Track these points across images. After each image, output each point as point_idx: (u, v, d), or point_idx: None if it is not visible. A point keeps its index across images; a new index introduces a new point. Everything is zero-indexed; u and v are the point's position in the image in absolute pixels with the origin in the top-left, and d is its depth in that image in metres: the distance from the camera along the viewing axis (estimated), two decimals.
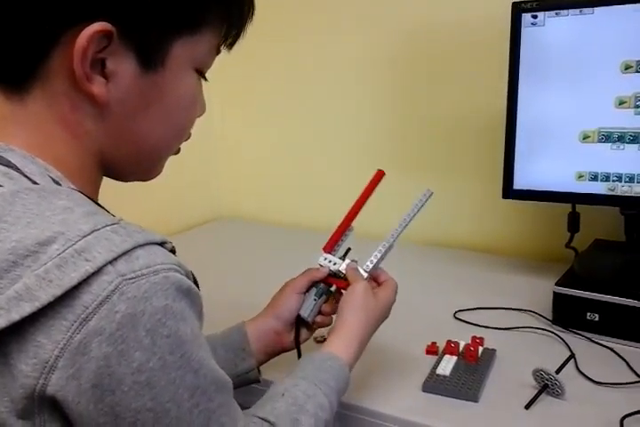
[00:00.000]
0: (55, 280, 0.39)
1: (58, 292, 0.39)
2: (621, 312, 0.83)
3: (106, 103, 0.49)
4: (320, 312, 0.75)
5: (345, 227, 0.78)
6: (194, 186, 1.53)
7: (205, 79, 0.56)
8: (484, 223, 1.28)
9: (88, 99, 0.49)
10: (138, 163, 0.57)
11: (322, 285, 0.75)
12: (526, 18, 0.93)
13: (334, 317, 0.71)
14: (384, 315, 0.72)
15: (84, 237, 0.41)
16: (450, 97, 1.26)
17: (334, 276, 0.75)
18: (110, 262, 0.41)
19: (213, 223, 1.57)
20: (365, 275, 0.74)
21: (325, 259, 0.76)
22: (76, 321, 0.40)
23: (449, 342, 0.81)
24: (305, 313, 0.73)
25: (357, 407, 0.71)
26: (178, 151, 0.59)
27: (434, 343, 0.84)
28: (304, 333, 0.75)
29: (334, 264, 0.75)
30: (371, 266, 0.75)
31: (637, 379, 0.75)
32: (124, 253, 0.41)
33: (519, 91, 0.96)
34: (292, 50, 1.43)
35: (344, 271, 0.74)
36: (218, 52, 0.57)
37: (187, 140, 0.59)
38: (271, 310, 0.75)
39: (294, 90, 1.46)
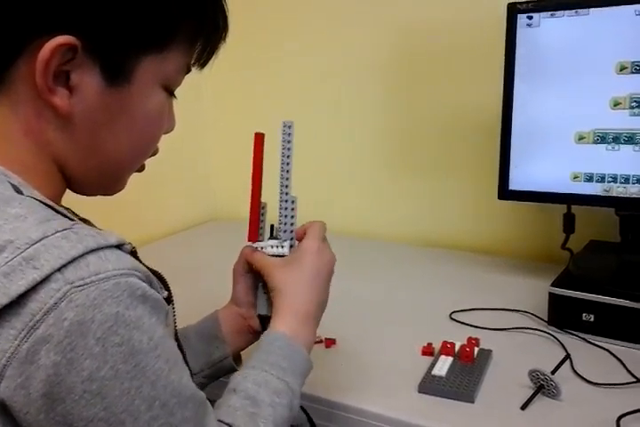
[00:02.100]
0: (2, 288, 0.39)
1: (4, 300, 0.39)
2: (617, 313, 0.84)
3: (68, 115, 0.49)
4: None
5: (256, 209, 0.71)
6: (189, 187, 1.53)
7: (174, 97, 0.56)
8: (479, 224, 1.29)
9: (51, 109, 0.49)
10: (100, 177, 0.56)
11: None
12: (522, 19, 0.93)
13: None
14: (323, 274, 0.66)
15: (33, 244, 0.41)
16: (446, 98, 1.26)
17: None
18: (58, 270, 0.40)
19: (209, 224, 1.57)
20: (286, 249, 0.68)
21: (257, 248, 0.70)
22: (23, 329, 0.39)
23: (445, 342, 0.81)
24: (263, 311, 0.70)
25: (353, 408, 0.71)
26: (142, 168, 0.59)
27: (429, 344, 0.83)
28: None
29: (272, 248, 0.69)
30: (288, 237, 0.69)
31: (633, 379, 0.75)
32: (74, 260, 0.41)
33: (515, 91, 0.96)
34: (288, 50, 1.43)
35: (272, 250, 0.69)
36: (188, 70, 0.56)
37: (153, 155, 0.58)
38: (231, 297, 0.74)
39: (290, 90, 1.45)
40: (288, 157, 0.70)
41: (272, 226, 0.72)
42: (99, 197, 0.59)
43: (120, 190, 0.59)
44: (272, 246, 0.69)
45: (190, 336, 0.71)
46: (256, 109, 1.52)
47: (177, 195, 1.49)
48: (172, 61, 0.53)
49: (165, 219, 1.47)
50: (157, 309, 0.45)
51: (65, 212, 0.50)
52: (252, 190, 0.71)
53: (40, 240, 0.41)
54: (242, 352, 0.75)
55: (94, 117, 0.50)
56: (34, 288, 0.40)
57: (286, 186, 0.70)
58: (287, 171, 0.70)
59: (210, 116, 1.54)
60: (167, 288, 0.48)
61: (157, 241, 1.41)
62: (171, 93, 0.55)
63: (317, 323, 0.65)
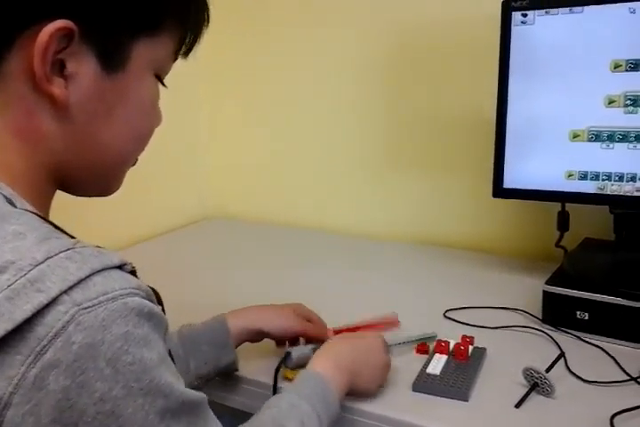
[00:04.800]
0: (6, 314, 0.38)
1: (9, 326, 0.38)
2: (611, 311, 0.84)
3: (66, 106, 0.48)
4: (303, 366, 0.75)
5: (345, 331, 0.85)
6: (181, 186, 1.52)
7: (164, 85, 0.56)
8: (473, 222, 1.29)
9: (48, 101, 0.48)
10: (99, 174, 0.55)
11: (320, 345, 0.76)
12: (516, 16, 0.93)
13: None
14: (370, 352, 0.73)
15: (37, 265, 0.40)
16: (441, 96, 1.26)
17: None
18: (65, 292, 0.39)
19: (200, 223, 1.56)
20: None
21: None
22: (30, 355, 0.38)
23: (439, 341, 0.81)
24: (295, 354, 0.75)
25: (347, 407, 0.71)
26: (135, 162, 0.58)
27: (424, 342, 0.83)
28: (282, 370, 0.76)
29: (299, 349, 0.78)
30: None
31: (627, 377, 0.75)
32: (80, 282, 0.40)
33: (509, 89, 0.96)
34: (281, 48, 1.42)
35: None
36: (175, 58, 0.56)
37: (143, 149, 0.57)
38: (265, 313, 0.79)
39: (283, 89, 1.45)
40: None
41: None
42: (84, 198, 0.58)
43: (117, 190, 0.58)
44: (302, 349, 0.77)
45: (201, 343, 0.74)
46: (249, 108, 1.51)
47: (168, 193, 1.48)
48: (163, 46, 0.53)
49: (156, 218, 1.46)
50: (160, 325, 0.45)
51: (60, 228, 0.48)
52: (355, 328, 0.87)
53: (44, 261, 0.40)
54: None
55: (91, 107, 0.49)
56: (40, 312, 0.38)
57: None
58: None
59: (202, 114, 1.54)
60: (160, 303, 0.48)
61: (148, 240, 1.40)
62: (161, 81, 0.55)
63: (351, 378, 0.68)
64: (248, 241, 1.40)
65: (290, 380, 0.75)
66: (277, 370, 0.75)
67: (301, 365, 0.74)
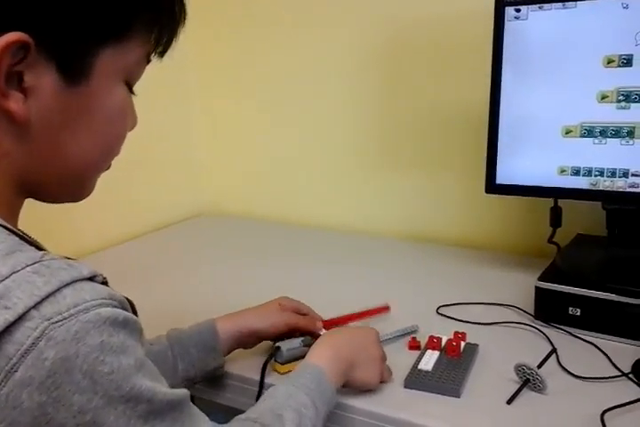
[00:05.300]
0: None
1: None
2: (603, 307, 0.84)
3: (26, 121, 0.45)
4: (296, 358, 0.76)
5: (337, 323, 0.86)
6: (175, 182, 1.51)
7: (133, 93, 0.53)
8: (466, 218, 1.28)
9: (6, 117, 0.45)
10: (66, 184, 0.53)
11: (311, 339, 0.77)
12: (509, 12, 0.93)
13: None
14: (366, 345, 0.72)
15: (2, 281, 0.38)
16: (434, 92, 1.26)
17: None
18: (34, 307, 0.38)
19: (195, 220, 1.56)
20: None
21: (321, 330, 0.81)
22: None
23: (431, 337, 0.81)
24: (285, 348, 0.75)
25: (339, 404, 0.71)
26: (108, 167, 0.56)
27: (415, 338, 0.83)
28: (270, 364, 0.76)
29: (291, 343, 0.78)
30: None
31: (618, 373, 0.75)
32: (49, 296, 0.39)
33: (502, 85, 0.95)
34: (275, 44, 1.42)
35: None
36: (148, 60, 0.53)
37: (116, 155, 0.55)
38: (255, 314, 0.78)
39: (278, 86, 1.44)
40: None
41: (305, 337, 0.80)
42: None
43: (88, 195, 0.56)
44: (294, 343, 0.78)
45: (189, 345, 0.74)
46: (244, 104, 1.51)
47: (162, 190, 1.47)
48: (131, 52, 0.50)
49: (150, 214, 1.46)
50: (136, 330, 0.44)
51: (28, 238, 0.47)
52: (346, 318, 0.88)
53: (9, 276, 0.39)
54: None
55: (53, 121, 0.47)
56: (7, 329, 0.37)
57: None
58: None
59: (197, 110, 1.53)
60: (135, 312, 0.47)
61: (142, 237, 1.40)
62: (131, 88, 0.52)
63: (349, 367, 0.68)
64: (242, 238, 1.40)
65: (282, 374, 0.75)
66: (265, 365, 0.74)
67: (293, 358, 0.74)
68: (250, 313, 0.79)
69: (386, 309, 0.92)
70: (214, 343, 0.74)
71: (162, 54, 0.54)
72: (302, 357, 0.70)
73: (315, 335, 0.78)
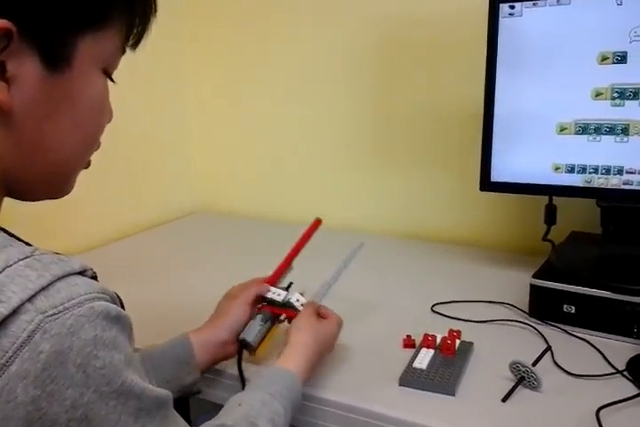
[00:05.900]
0: None
1: None
2: (597, 304, 0.84)
3: (9, 111, 0.45)
4: (264, 338, 0.76)
5: (286, 266, 0.85)
6: (169, 180, 1.51)
7: (113, 81, 0.53)
8: (461, 216, 1.28)
9: None
10: (48, 180, 0.52)
11: (268, 312, 0.78)
12: (504, 8, 0.92)
13: None
14: (330, 342, 0.74)
15: None
16: (429, 89, 1.25)
17: (283, 306, 0.78)
18: (28, 300, 0.38)
19: (190, 218, 1.55)
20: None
21: (269, 290, 0.79)
22: None
23: (426, 335, 0.80)
24: (250, 337, 0.75)
25: (334, 402, 0.71)
26: (88, 165, 0.55)
27: (410, 337, 0.83)
28: (246, 355, 0.76)
29: (278, 295, 0.79)
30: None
31: (613, 371, 0.75)
32: (43, 289, 0.39)
33: (496, 82, 0.95)
34: (269, 41, 1.41)
35: (295, 302, 0.78)
36: (123, 51, 0.54)
37: (96, 150, 0.55)
38: (220, 321, 0.76)
39: (272, 83, 1.44)
40: (342, 270, 0.87)
41: (290, 283, 0.84)
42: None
43: (68, 193, 0.55)
44: (278, 293, 0.79)
45: (162, 360, 0.72)
46: (239, 103, 1.50)
47: (157, 187, 1.46)
48: (109, 41, 0.50)
49: (145, 212, 1.45)
50: (126, 326, 0.44)
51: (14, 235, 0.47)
52: (289, 254, 0.86)
53: (2, 270, 0.39)
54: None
55: (36, 110, 0.47)
56: (2, 323, 0.37)
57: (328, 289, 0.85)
58: (336, 278, 0.86)
59: (191, 106, 1.52)
60: (122, 308, 0.47)
61: (136, 235, 1.39)
62: (109, 77, 0.52)
63: (313, 366, 0.71)
64: (236, 236, 1.39)
65: (259, 360, 0.76)
66: (240, 363, 0.74)
67: (262, 339, 0.76)
68: (215, 319, 0.77)
69: (318, 222, 0.88)
70: (188, 358, 0.72)
71: (134, 46, 0.54)
72: (268, 331, 0.75)
73: (267, 300, 0.79)
